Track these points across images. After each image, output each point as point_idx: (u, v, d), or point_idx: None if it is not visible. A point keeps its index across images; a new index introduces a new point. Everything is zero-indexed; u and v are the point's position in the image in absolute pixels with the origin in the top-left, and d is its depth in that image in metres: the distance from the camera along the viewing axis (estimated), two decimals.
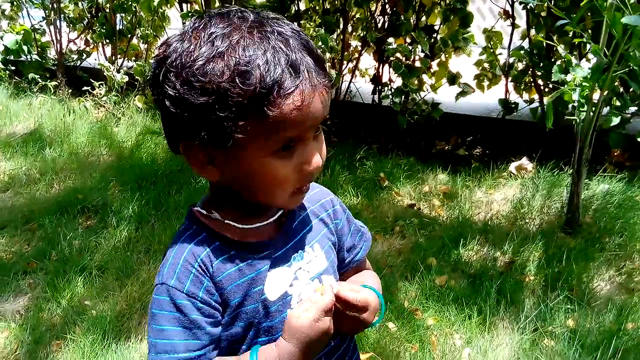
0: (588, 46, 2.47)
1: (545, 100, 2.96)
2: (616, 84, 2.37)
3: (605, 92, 2.07)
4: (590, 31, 2.55)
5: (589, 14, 2.29)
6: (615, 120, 2.44)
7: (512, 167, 2.86)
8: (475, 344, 1.71)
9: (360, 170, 3.18)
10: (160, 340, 0.68)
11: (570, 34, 2.68)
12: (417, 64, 3.50)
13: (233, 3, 3.84)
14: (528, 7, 2.81)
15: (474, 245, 2.22)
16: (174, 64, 0.64)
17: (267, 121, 0.62)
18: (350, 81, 3.90)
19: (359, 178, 3.08)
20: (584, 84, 2.06)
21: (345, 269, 0.86)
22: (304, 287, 0.76)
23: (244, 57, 0.61)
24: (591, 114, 2.09)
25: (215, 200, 0.75)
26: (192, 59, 0.63)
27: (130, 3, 4.71)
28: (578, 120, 2.12)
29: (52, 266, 2.28)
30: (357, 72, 3.99)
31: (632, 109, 2.57)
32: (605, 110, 2.39)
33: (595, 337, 1.64)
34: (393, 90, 3.52)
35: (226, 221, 0.72)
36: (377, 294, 0.79)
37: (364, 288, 0.76)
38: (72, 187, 3.04)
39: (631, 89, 2.42)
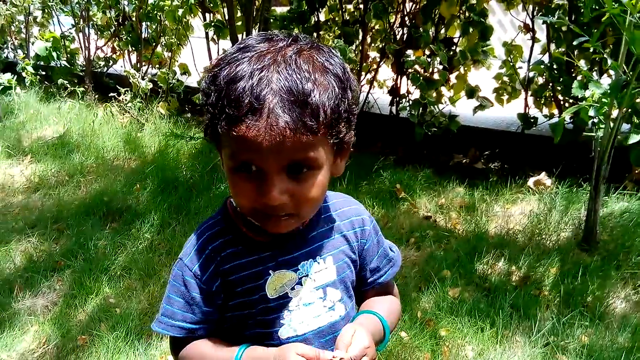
0: (609, 62, 2.48)
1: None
2: (639, 100, 2.37)
3: (624, 110, 2.07)
4: (611, 47, 2.56)
5: (609, 29, 2.30)
6: (636, 137, 2.43)
7: (531, 182, 2.87)
8: (487, 356, 1.73)
9: (377, 181, 3.22)
10: (166, 305, 0.79)
11: (591, 49, 2.70)
12: (436, 76, 3.54)
13: (255, 14, 3.94)
14: (548, 21, 2.83)
15: (489, 259, 2.23)
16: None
17: (226, 137, 0.69)
18: (368, 92, 3.96)
19: (375, 189, 3.12)
20: (602, 100, 2.07)
21: (367, 288, 0.89)
22: (306, 293, 0.80)
23: (228, 76, 0.68)
24: (609, 130, 2.10)
25: None
26: (215, 65, 0.72)
27: (155, 12, 4.86)
28: (596, 136, 2.13)
29: (79, 265, 2.38)
30: (375, 84, 4.04)
31: None
32: (626, 127, 2.39)
33: (608, 354, 1.65)
34: (411, 102, 3.56)
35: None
36: (381, 319, 0.83)
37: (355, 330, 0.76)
38: (98, 190, 3.15)
39: None
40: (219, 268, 0.77)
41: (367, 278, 0.88)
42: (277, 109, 0.65)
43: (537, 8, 3.20)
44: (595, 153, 2.15)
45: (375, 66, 3.97)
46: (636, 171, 2.74)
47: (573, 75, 2.93)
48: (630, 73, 2.02)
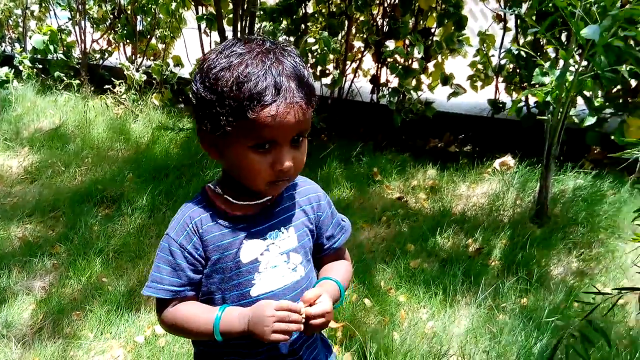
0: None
1: (529, 99, 3.13)
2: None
3: (573, 94, 2.24)
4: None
5: (560, 20, 2.45)
6: (591, 120, 2.61)
7: (497, 163, 3.05)
8: (438, 318, 1.93)
9: (356, 165, 3.40)
10: (155, 273, 0.94)
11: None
12: (415, 65, 3.70)
13: (245, 6, 4.08)
14: (513, 13, 2.99)
15: (450, 234, 2.43)
16: (203, 68, 0.88)
17: (248, 122, 0.83)
18: (352, 81, 4.12)
19: (354, 172, 3.30)
20: (553, 86, 2.24)
21: (324, 253, 1.05)
22: (273, 257, 0.96)
23: (243, 73, 0.83)
24: (558, 113, 2.27)
25: (222, 180, 0.98)
26: (212, 67, 0.86)
27: (150, 6, 4.98)
28: (547, 119, 2.31)
29: (74, 248, 2.56)
30: (360, 72, 4.20)
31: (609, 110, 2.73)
32: (585, 111, 2.56)
33: (542, 313, 1.85)
34: (390, 90, 3.72)
35: (225, 196, 0.95)
36: (338, 284, 0.99)
37: (319, 293, 0.91)
38: (93, 179, 3.33)
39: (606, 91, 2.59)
40: (200, 239, 0.93)
41: (324, 244, 1.05)
42: (294, 89, 0.83)
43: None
44: (546, 134, 2.32)
45: (360, 55, 4.13)
46: (595, 151, 2.91)
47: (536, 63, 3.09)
48: (578, 61, 2.19)
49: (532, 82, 2.67)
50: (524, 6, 3.10)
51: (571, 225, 2.32)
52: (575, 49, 2.36)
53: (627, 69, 2.23)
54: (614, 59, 1.90)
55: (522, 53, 3.05)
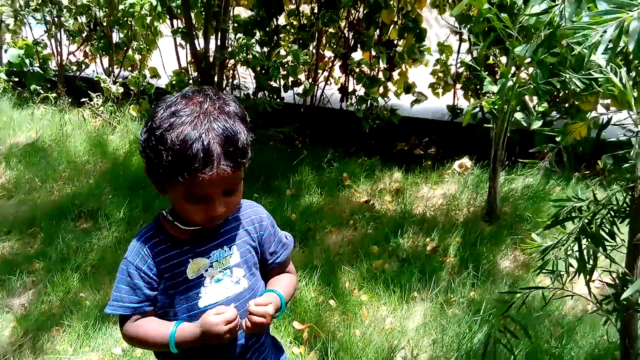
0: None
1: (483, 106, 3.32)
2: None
3: (513, 104, 2.43)
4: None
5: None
6: (538, 124, 2.81)
7: (456, 165, 3.24)
8: (396, 314, 2.09)
9: (327, 170, 3.55)
10: (115, 293, 1.09)
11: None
12: (381, 74, 3.88)
13: (222, 15, 4.20)
14: (464, 29, 3.18)
15: (410, 235, 2.60)
16: (148, 124, 1.01)
17: (181, 182, 0.96)
18: (323, 89, 4.28)
19: (325, 178, 3.45)
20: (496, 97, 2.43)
21: (269, 267, 1.19)
22: (216, 273, 1.11)
23: (179, 138, 0.95)
24: (502, 121, 2.46)
25: (172, 209, 1.11)
26: (157, 127, 0.99)
27: (125, 19, 5.05)
28: (492, 126, 2.49)
29: (52, 265, 2.62)
30: (331, 80, 4.37)
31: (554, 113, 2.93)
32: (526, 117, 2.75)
33: (488, 304, 2.02)
34: (357, 98, 3.90)
35: (175, 222, 1.09)
36: (280, 297, 1.12)
37: (269, 301, 1.06)
38: (70, 194, 3.38)
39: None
40: (153, 260, 1.07)
41: (267, 260, 1.19)
42: (222, 158, 0.95)
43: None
44: (492, 140, 2.51)
45: (330, 65, 4.30)
46: (545, 151, 3.11)
47: (487, 73, 3.29)
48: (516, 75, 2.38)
49: (483, 91, 2.86)
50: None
51: (518, 222, 2.51)
52: (513, 64, 2.55)
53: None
54: (547, 73, 2.10)
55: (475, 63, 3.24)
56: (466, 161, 3.22)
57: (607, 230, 1.27)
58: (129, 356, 2.02)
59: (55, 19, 5.26)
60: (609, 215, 1.30)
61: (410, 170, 3.34)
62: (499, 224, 2.52)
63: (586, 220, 1.23)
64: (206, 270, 1.09)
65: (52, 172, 3.71)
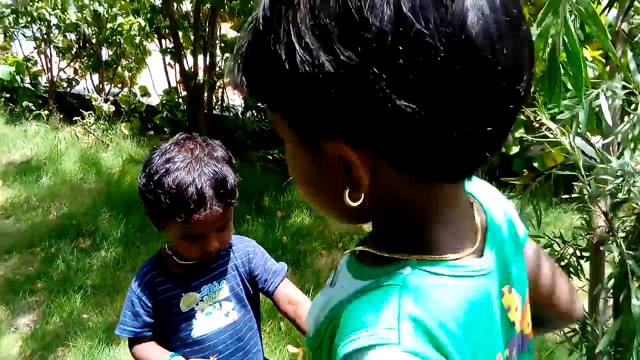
0: None
1: None
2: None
3: None
4: None
5: None
6: (515, 149, 2.99)
7: None
8: None
9: None
10: (122, 317, 1.22)
11: None
12: None
13: (209, 36, 4.32)
14: None
15: None
16: (146, 170, 1.11)
17: (178, 222, 1.05)
18: None
19: None
20: None
21: (270, 295, 1.28)
22: (206, 306, 1.22)
23: (175, 182, 1.06)
24: None
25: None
26: (154, 172, 1.06)
27: (114, 37, 5.15)
28: None
29: (54, 285, 2.72)
30: None
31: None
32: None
33: None
34: None
35: (173, 257, 1.22)
36: None
37: None
38: (67, 213, 3.46)
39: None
40: (152, 292, 1.20)
41: (262, 287, 1.29)
42: (214, 200, 1.04)
43: None
44: None
45: None
46: (524, 174, 3.29)
47: None
48: None
49: None
50: None
51: None
52: None
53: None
54: None
55: None
56: None
57: (576, 268, 1.38)
58: None
59: (45, 36, 5.31)
60: (575, 254, 1.42)
61: None
62: None
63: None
64: (197, 304, 1.19)
65: (49, 191, 3.79)
